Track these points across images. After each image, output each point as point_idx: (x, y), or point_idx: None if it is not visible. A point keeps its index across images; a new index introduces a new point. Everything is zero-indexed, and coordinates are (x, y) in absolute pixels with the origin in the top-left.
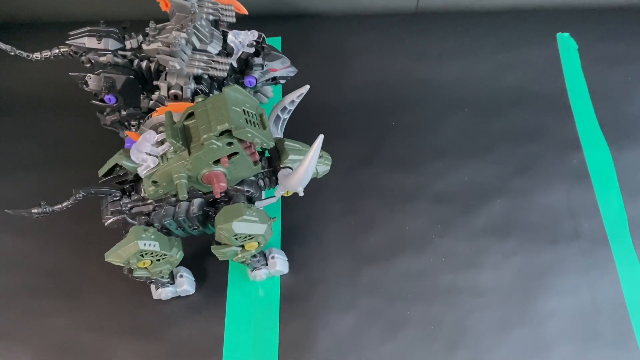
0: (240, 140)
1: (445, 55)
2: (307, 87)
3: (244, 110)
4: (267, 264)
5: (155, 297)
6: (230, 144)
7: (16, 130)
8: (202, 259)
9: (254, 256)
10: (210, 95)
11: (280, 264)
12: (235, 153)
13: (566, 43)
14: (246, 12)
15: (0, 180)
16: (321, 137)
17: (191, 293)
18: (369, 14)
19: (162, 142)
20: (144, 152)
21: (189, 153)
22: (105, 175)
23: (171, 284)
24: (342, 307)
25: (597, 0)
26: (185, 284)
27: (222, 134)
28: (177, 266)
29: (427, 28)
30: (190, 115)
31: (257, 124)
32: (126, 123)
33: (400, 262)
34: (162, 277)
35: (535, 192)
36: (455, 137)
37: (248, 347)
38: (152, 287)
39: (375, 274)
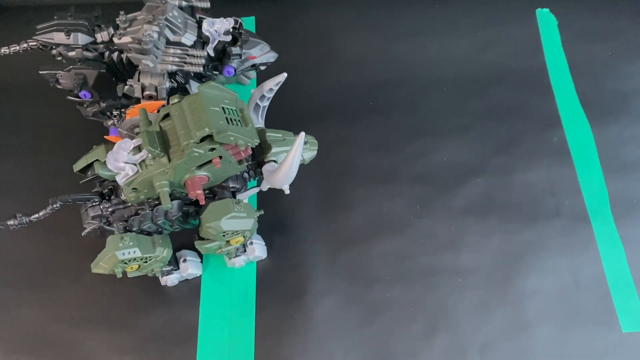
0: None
1: (424, 34)
2: (285, 75)
3: (223, 108)
4: (245, 251)
5: (162, 283)
6: (212, 149)
7: None
8: (174, 246)
9: None
10: (188, 87)
11: (258, 249)
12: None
13: (546, 19)
14: None
15: None
16: (302, 135)
17: (198, 275)
18: None
19: (139, 149)
20: (121, 161)
21: (169, 159)
22: (81, 171)
23: (176, 269)
24: (320, 291)
25: None
26: (190, 267)
27: (203, 139)
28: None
29: (405, 7)
30: (167, 116)
31: (239, 121)
32: (108, 113)
33: (378, 244)
34: (157, 273)
35: (516, 170)
36: (434, 117)
37: (223, 333)
38: (159, 276)
39: (353, 256)
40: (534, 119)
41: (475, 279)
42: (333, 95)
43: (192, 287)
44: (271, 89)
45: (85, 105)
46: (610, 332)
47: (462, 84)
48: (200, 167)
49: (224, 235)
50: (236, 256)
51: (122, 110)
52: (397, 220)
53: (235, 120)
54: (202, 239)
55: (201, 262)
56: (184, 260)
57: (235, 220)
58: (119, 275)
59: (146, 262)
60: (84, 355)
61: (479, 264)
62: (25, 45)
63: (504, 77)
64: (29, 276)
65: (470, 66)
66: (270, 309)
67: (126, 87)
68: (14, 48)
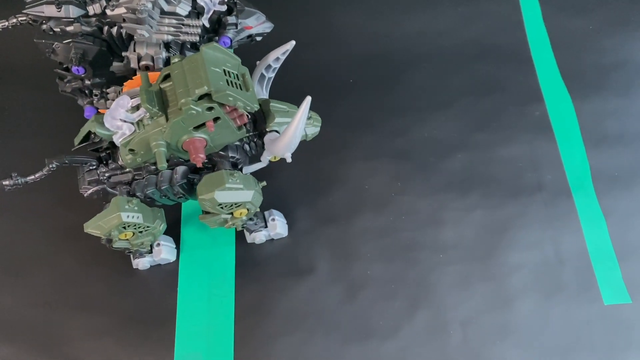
0: (222, 104)
1: (404, 9)
2: (293, 43)
3: (224, 70)
4: (266, 226)
5: (134, 266)
6: (210, 108)
7: None
8: None
9: (251, 219)
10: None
11: (280, 226)
12: (217, 118)
13: None
14: None
15: None
16: (308, 99)
17: (171, 261)
18: None
19: (137, 108)
20: (119, 118)
21: (167, 119)
22: (81, 142)
23: (149, 253)
24: (301, 269)
25: None
26: (164, 252)
27: (201, 98)
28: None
29: None
30: (167, 77)
31: (240, 85)
32: (87, 91)
33: (359, 222)
34: (143, 248)
35: (497, 145)
36: (415, 93)
37: (202, 315)
38: (131, 257)
39: (334, 234)
40: (515, 94)
41: (457, 254)
42: (312, 72)
43: (170, 269)
44: (277, 58)
45: (65, 80)
46: (592, 304)
47: (443, 60)
48: (197, 128)
49: (222, 208)
50: (256, 231)
51: (104, 90)
52: (378, 197)
53: (235, 83)
54: (207, 212)
55: (176, 248)
56: (158, 245)
57: (231, 192)
58: (104, 241)
59: (141, 232)
60: (61, 339)
61: (461, 239)
62: (14, 20)
63: (485, 53)
64: (3, 262)
65: (451, 42)
66: (250, 290)
67: (116, 63)
68: (2, 24)
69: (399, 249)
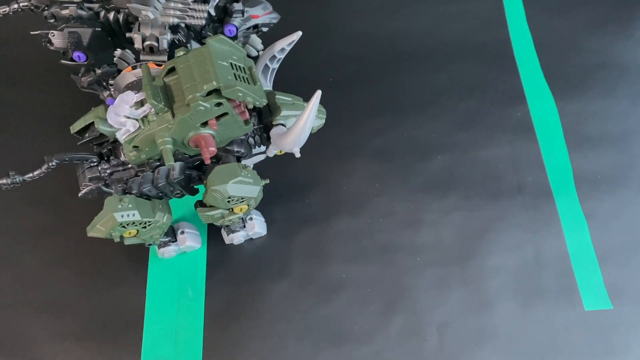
0: (230, 99)
1: (386, 8)
2: (300, 33)
3: (231, 63)
4: (244, 226)
5: (159, 256)
6: (219, 104)
7: None
8: None
9: None
10: (189, 46)
11: (258, 225)
12: (225, 114)
13: None
14: None
15: None
16: (319, 93)
17: (197, 248)
18: None
19: (141, 103)
20: (122, 115)
21: (173, 115)
22: (78, 133)
23: (173, 241)
24: (275, 272)
25: None
26: (188, 240)
27: (209, 93)
28: (170, 226)
29: None
30: (171, 70)
31: (247, 78)
32: (104, 83)
33: (336, 224)
34: (155, 241)
35: (478, 146)
36: (395, 93)
37: (171, 318)
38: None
39: (310, 236)
40: (497, 94)
41: (435, 256)
42: (291, 70)
43: (138, 270)
44: (283, 49)
45: (80, 74)
46: (573, 309)
47: (424, 59)
48: (204, 124)
49: (228, 202)
50: (234, 231)
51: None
52: (355, 198)
53: (243, 77)
54: (204, 205)
55: (199, 235)
56: (182, 232)
57: (242, 186)
58: (117, 240)
59: (145, 227)
60: (26, 341)
61: (439, 241)
62: (16, 6)
63: (467, 52)
64: None
65: (433, 41)
66: (220, 293)
67: (118, 51)
68: (3, 10)
69: (376, 251)
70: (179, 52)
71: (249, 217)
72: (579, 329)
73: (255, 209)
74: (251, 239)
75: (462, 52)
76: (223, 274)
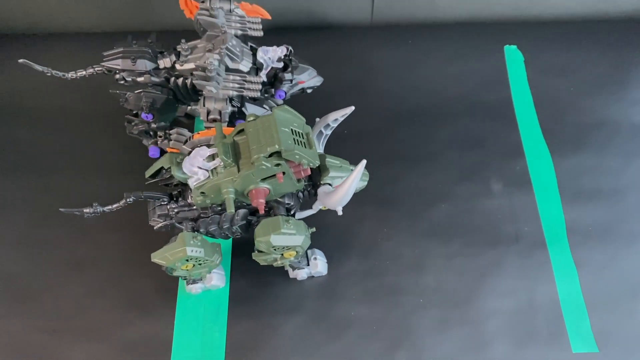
0: (288, 160)
1: (398, 66)
2: (352, 108)
3: (292, 129)
4: (308, 264)
5: (187, 291)
6: (278, 164)
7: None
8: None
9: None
10: (243, 108)
11: (321, 265)
12: (283, 172)
13: (513, 55)
14: (269, 17)
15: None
16: (364, 162)
17: (221, 287)
18: (324, 25)
19: (213, 157)
20: (196, 166)
21: (238, 169)
22: (151, 176)
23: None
24: (289, 308)
25: (543, 14)
26: (214, 279)
27: (271, 155)
28: None
29: (381, 40)
30: (241, 131)
31: (304, 143)
32: (151, 133)
33: (346, 264)
34: (203, 277)
35: (479, 197)
36: (404, 145)
37: (196, 348)
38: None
39: (323, 276)
40: (498, 149)
41: (437, 298)
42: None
43: (167, 304)
44: (336, 119)
45: (133, 123)
46: (561, 352)
47: (432, 115)
48: (264, 179)
49: (275, 250)
50: (299, 268)
51: (167, 132)
52: (365, 242)
53: (301, 142)
54: (260, 251)
55: (224, 274)
56: (209, 272)
57: (284, 237)
58: (169, 270)
59: (201, 264)
60: None
61: (441, 284)
62: (91, 70)
63: (472, 109)
64: (12, 289)
65: (441, 98)
66: (241, 325)
67: (189, 107)
68: (80, 72)
69: (383, 292)
70: (250, 118)
71: (313, 256)
72: None
73: (319, 249)
74: (312, 276)
75: (466, 109)
76: (243, 307)
